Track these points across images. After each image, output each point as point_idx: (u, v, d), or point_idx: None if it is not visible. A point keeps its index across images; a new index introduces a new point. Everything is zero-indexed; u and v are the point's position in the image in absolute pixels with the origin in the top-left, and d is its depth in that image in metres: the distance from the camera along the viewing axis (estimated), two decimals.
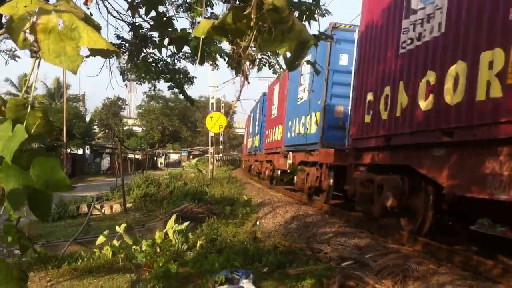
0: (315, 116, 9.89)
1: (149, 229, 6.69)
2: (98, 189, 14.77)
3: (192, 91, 51.50)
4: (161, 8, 3.44)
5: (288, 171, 12.68)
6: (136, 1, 3.54)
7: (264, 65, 4.44)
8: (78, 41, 0.96)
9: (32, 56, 0.99)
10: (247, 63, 1.35)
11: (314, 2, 3.28)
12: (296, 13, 3.66)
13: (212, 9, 4.32)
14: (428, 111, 5.16)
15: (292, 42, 1.23)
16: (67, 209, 9.87)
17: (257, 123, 22.17)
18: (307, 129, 10.46)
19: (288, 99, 13.43)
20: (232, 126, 56.53)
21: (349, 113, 8.26)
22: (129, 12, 3.90)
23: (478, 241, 6.17)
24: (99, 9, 4.83)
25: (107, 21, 8.94)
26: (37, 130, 1.07)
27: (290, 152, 12.56)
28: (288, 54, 1.27)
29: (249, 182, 19.03)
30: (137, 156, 42.36)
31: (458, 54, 4.65)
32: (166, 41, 3.61)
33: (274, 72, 5.12)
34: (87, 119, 36.39)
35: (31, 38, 0.94)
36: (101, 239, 5.14)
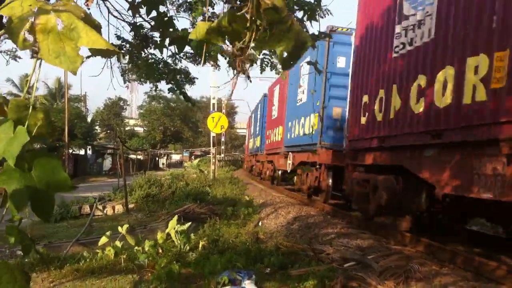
0: (314, 117, 9.98)
1: (151, 229, 6.69)
2: (100, 189, 14.79)
3: (193, 91, 51.58)
4: (162, 8, 3.43)
5: (289, 171, 12.82)
6: (137, 1, 3.53)
7: (267, 66, 4.42)
8: (77, 41, 0.95)
9: (32, 57, 0.98)
10: (243, 63, 1.34)
11: (316, 3, 3.28)
12: (299, 13, 3.66)
13: (213, 8, 4.31)
14: (419, 113, 5.29)
15: (290, 42, 1.23)
16: (69, 210, 9.87)
17: (258, 123, 22.20)
18: (307, 130, 10.54)
19: (288, 101, 13.55)
20: (233, 127, 56.57)
21: (346, 115, 8.35)
22: (130, 12, 3.90)
23: (478, 241, 6.17)
24: (100, 9, 4.83)
25: (108, 21, 8.96)
26: (39, 131, 1.06)
27: (290, 153, 12.69)
28: (285, 54, 1.26)
29: (251, 183, 19.03)
30: (139, 157, 42.43)
31: (446, 59, 4.79)
32: (167, 41, 3.61)
33: (277, 72, 5.10)
34: (89, 119, 36.40)
35: (30, 38, 0.93)
36: (103, 239, 5.15)
